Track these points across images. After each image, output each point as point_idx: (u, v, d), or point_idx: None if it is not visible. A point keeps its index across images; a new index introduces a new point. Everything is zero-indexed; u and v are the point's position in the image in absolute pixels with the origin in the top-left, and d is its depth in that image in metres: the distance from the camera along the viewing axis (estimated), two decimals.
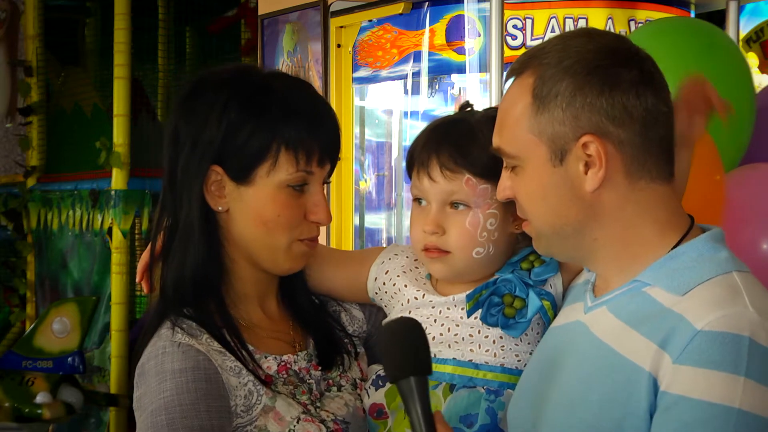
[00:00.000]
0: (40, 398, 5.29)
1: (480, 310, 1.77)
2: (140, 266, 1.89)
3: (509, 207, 1.72)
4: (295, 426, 1.70)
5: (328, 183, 1.84)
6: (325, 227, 4.28)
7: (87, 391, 5.55)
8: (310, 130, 1.75)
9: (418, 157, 1.81)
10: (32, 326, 5.78)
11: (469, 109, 1.87)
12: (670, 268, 1.53)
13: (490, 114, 1.78)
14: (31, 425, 5.38)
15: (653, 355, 1.46)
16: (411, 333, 1.58)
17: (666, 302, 1.50)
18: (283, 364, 1.77)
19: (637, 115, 1.52)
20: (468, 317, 1.78)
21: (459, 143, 1.77)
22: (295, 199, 1.76)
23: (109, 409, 5.68)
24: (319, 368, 1.81)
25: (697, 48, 2.32)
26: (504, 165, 1.63)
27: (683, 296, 1.48)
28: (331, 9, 4.31)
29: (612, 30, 3.81)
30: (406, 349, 1.55)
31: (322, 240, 4.26)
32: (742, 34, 4.51)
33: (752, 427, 1.40)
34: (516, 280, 1.77)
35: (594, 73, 1.51)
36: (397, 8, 4.02)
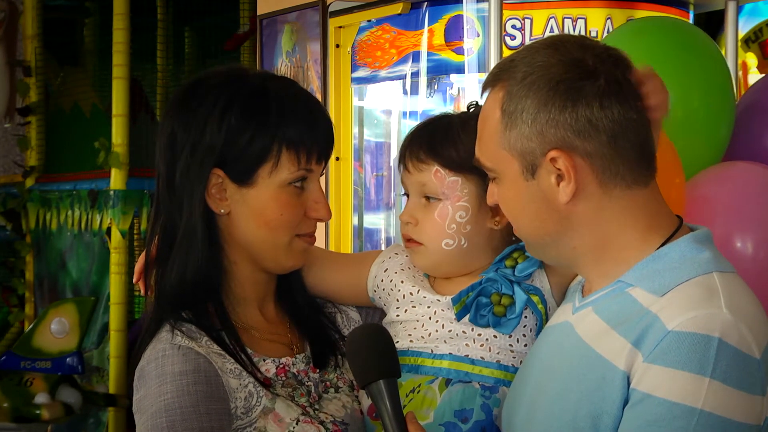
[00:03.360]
0: (38, 399, 5.30)
1: (469, 314, 1.78)
2: (138, 267, 1.90)
3: (485, 202, 1.74)
4: (294, 428, 1.70)
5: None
6: (324, 228, 4.29)
7: (86, 392, 5.55)
8: (309, 128, 1.77)
9: (401, 151, 1.86)
10: (31, 326, 5.79)
11: (472, 108, 1.88)
12: (652, 269, 1.53)
13: (477, 113, 1.81)
14: (29, 426, 5.38)
15: (627, 354, 1.47)
16: (376, 338, 1.61)
17: (645, 302, 1.51)
18: (281, 366, 1.78)
19: (603, 126, 1.51)
20: (458, 321, 1.79)
21: (431, 137, 1.81)
22: (296, 198, 1.78)
23: (107, 409, 5.68)
24: (317, 370, 1.82)
25: (676, 47, 2.32)
26: (489, 175, 1.65)
27: (662, 297, 1.49)
28: (330, 9, 4.30)
29: (611, 30, 3.81)
30: (372, 353, 1.59)
31: (320, 240, 4.25)
32: (741, 34, 4.51)
33: (714, 429, 1.41)
34: (500, 278, 1.78)
35: (557, 88, 1.51)
36: (396, 8, 4.02)
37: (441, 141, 1.80)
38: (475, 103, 1.90)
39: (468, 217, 1.80)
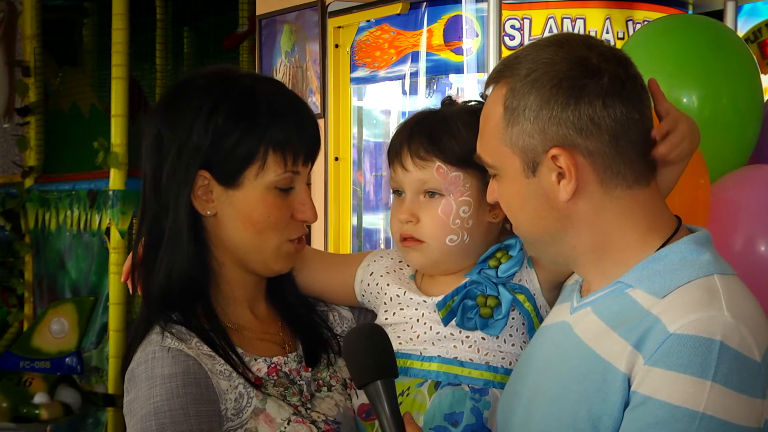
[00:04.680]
0: (38, 399, 5.30)
1: (455, 318, 1.78)
2: (125, 267, 1.89)
3: (485, 196, 1.74)
4: (285, 428, 1.70)
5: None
6: (323, 228, 4.29)
7: (85, 392, 5.56)
8: (296, 130, 1.77)
9: (393, 148, 1.84)
10: (30, 326, 5.79)
11: (448, 103, 1.88)
12: (652, 270, 1.53)
13: (467, 107, 1.82)
14: (28, 426, 5.38)
15: (628, 356, 1.47)
16: (374, 338, 1.61)
17: (645, 304, 1.50)
18: (273, 366, 1.78)
19: (606, 125, 1.51)
20: (445, 326, 1.79)
21: (430, 132, 1.80)
22: (283, 200, 1.78)
23: (106, 409, 5.68)
24: (309, 369, 1.82)
25: (705, 46, 2.31)
26: (489, 172, 1.65)
27: (662, 299, 1.49)
28: (329, 9, 4.30)
29: (610, 30, 3.81)
30: (370, 353, 1.58)
31: (320, 240, 4.24)
32: (740, 34, 4.50)
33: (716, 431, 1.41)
34: (484, 279, 1.78)
35: (560, 86, 1.51)
36: (395, 8, 4.02)
37: (441, 136, 1.79)
38: (449, 98, 1.90)
39: (470, 211, 1.80)
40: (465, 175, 1.78)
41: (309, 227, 1.86)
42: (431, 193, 1.80)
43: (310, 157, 1.80)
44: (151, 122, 1.80)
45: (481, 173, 1.76)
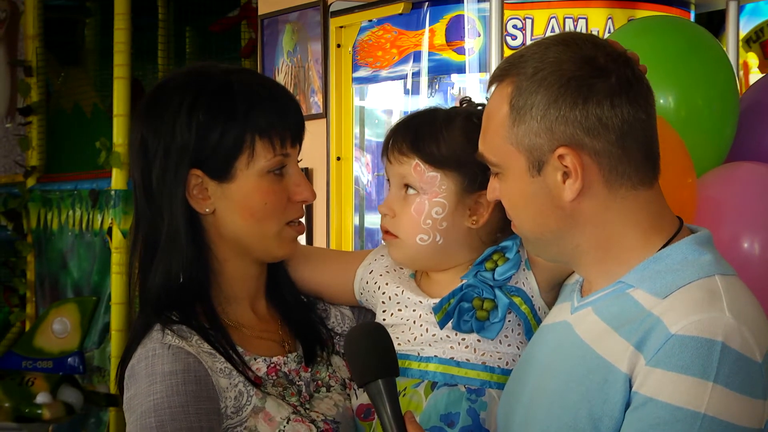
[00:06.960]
0: (40, 398, 5.30)
1: (451, 321, 1.78)
2: None
3: (464, 200, 1.77)
4: (285, 426, 1.70)
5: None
6: (325, 228, 4.29)
7: (87, 392, 5.56)
8: (278, 113, 1.77)
9: (385, 140, 1.87)
10: (32, 326, 5.80)
11: (465, 104, 1.88)
12: (653, 271, 1.53)
13: (468, 110, 1.83)
14: (30, 425, 5.39)
15: (630, 357, 1.47)
16: (375, 336, 1.61)
17: (647, 304, 1.50)
18: (272, 366, 1.78)
19: (613, 125, 1.51)
20: (441, 329, 1.79)
21: (416, 130, 1.82)
22: (278, 184, 1.78)
23: (108, 409, 5.69)
24: (309, 370, 1.82)
25: (680, 47, 2.32)
26: (491, 170, 1.64)
27: (664, 299, 1.49)
28: (331, 9, 4.31)
29: (612, 30, 3.81)
30: (371, 352, 1.59)
31: (322, 240, 4.24)
32: (742, 34, 4.51)
33: None
34: (479, 283, 1.78)
35: (568, 85, 1.51)
36: (397, 8, 4.02)
37: (423, 136, 1.80)
38: (468, 98, 1.90)
39: (444, 213, 1.80)
40: (443, 176, 1.79)
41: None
42: (408, 189, 1.82)
43: (297, 138, 1.81)
44: (134, 128, 1.80)
45: (460, 176, 1.77)
